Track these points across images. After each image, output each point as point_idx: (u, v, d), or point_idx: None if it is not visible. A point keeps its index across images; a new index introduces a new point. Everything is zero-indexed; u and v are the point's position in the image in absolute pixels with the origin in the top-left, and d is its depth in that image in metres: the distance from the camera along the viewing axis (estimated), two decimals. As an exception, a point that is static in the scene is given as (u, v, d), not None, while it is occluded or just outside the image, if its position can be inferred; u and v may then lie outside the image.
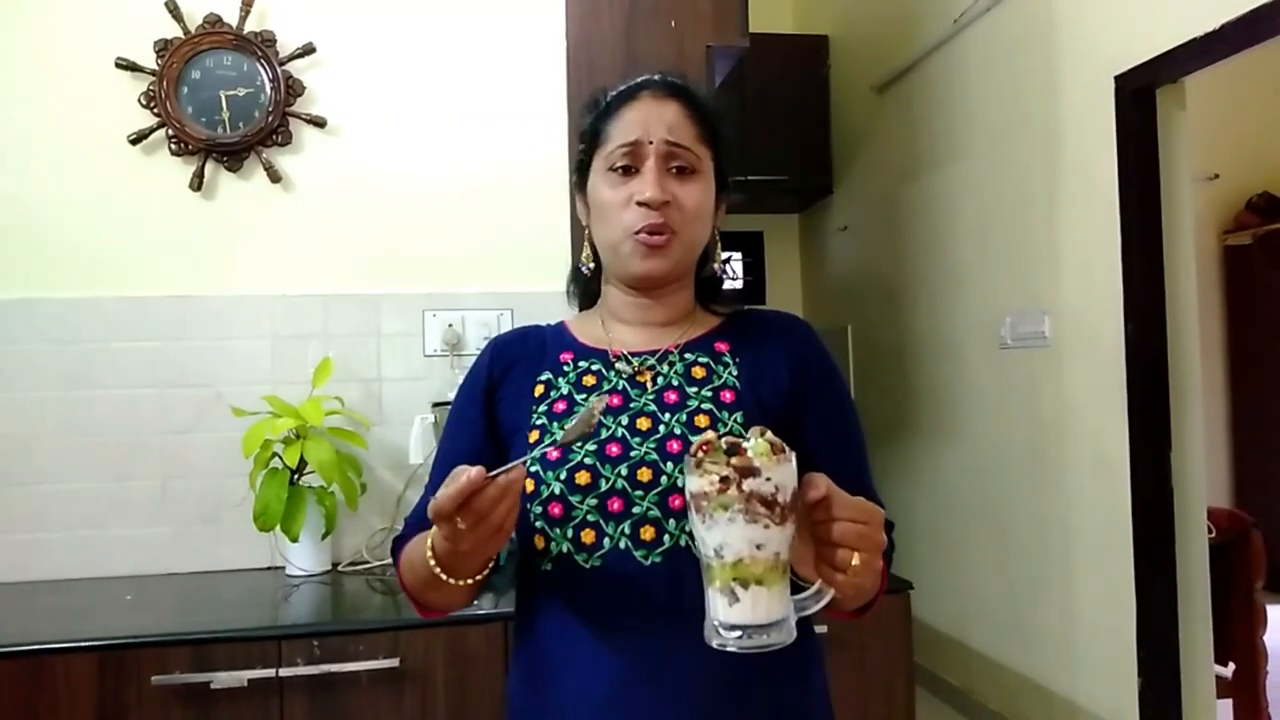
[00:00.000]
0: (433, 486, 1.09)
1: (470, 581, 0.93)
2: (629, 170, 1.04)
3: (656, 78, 1.09)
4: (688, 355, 1.08)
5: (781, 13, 4.77)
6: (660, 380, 1.05)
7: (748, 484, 0.77)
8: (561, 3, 2.25)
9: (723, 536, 0.78)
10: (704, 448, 0.81)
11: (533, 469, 1.01)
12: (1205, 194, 4.56)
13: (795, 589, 0.83)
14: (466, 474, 0.81)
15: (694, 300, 1.14)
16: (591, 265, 1.13)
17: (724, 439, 0.81)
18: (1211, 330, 4.69)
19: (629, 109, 1.05)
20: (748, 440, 0.81)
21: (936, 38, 3.36)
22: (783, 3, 4.80)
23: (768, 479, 0.78)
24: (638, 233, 1.02)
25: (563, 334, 1.14)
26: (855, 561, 0.80)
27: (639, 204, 1.02)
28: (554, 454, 1.00)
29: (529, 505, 1.00)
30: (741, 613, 0.79)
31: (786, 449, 0.81)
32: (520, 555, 1.05)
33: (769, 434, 0.81)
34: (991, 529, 3.18)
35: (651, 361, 1.07)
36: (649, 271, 1.05)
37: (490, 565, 0.94)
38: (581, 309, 1.21)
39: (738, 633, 0.79)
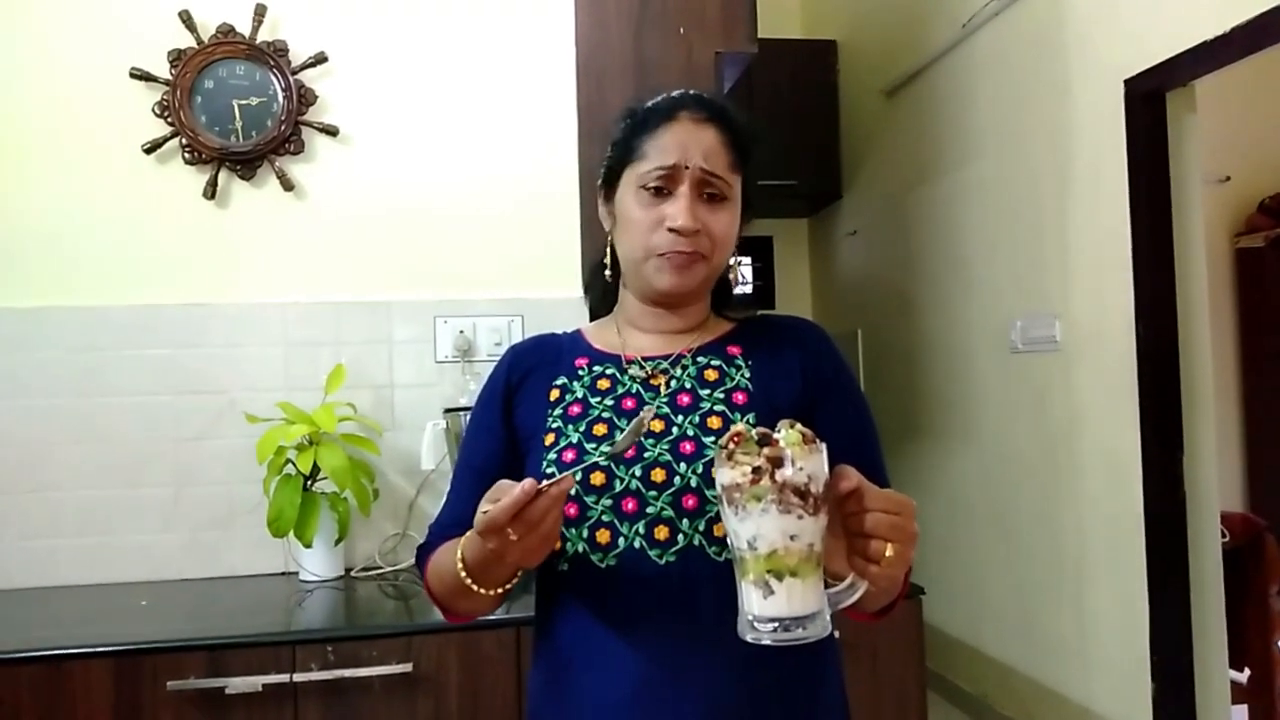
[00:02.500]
0: (456, 494, 1.10)
1: (499, 591, 0.95)
2: (661, 192, 1.04)
3: (695, 96, 1.08)
4: (700, 359, 1.09)
5: (790, 18, 4.77)
6: (673, 383, 1.07)
7: (780, 474, 0.78)
8: (570, 11, 2.26)
9: (756, 528, 0.78)
10: (735, 439, 0.81)
11: (548, 470, 1.02)
12: (1217, 196, 4.54)
13: (826, 585, 0.83)
14: (519, 487, 0.82)
15: (709, 308, 1.15)
16: (611, 273, 1.13)
17: (755, 430, 0.81)
18: (1224, 333, 4.66)
19: (667, 130, 1.05)
20: (778, 431, 0.81)
21: (945, 42, 3.36)
22: (791, 8, 4.81)
23: (800, 468, 0.78)
24: (662, 254, 1.04)
25: (578, 340, 1.16)
26: (889, 553, 0.80)
27: (670, 229, 1.03)
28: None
29: None
30: (776, 605, 0.78)
31: (817, 440, 0.81)
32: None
33: (799, 425, 0.81)
34: (1003, 533, 3.17)
35: (665, 365, 1.08)
36: (672, 288, 1.06)
37: (517, 574, 0.96)
38: (596, 313, 1.22)
39: (773, 625, 0.78)
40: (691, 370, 1.08)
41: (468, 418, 1.24)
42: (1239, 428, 4.74)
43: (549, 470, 1.02)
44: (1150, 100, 2.43)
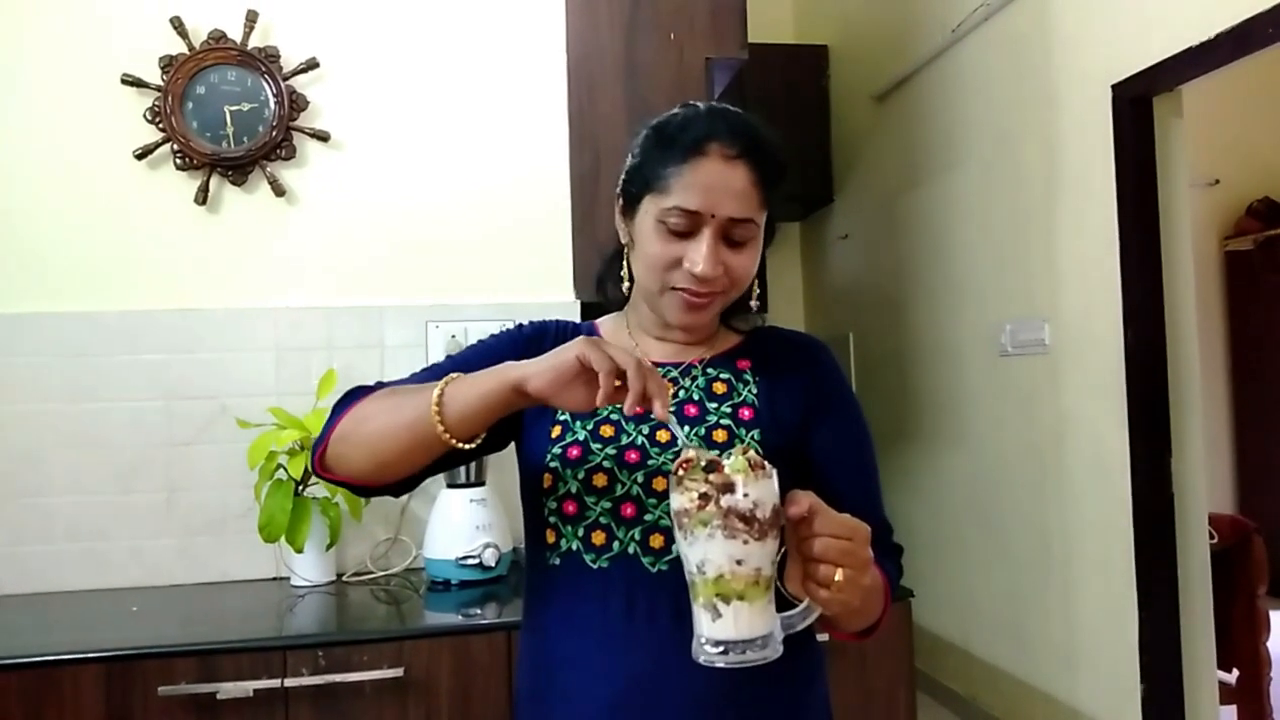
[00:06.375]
0: (430, 373, 1.07)
1: (455, 444, 0.93)
2: (682, 230, 1.00)
3: (726, 123, 1.01)
4: (710, 371, 1.09)
5: (781, 23, 4.79)
6: (681, 394, 1.07)
7: (725, 500, 0.79)
8: (562, 17, 2.27)
9: (704, 552, 0.80)
10: (684, 465, 0.83)
11: (551, 464, 1.03)
12: (1206, 200, 4.57)
13: (788, 606, 0.84)
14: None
15: (719, 320, 1.14)
16: (629, 284, 1.10)
17: (704, 457, 0.83)
18: (1213, 335, 4.70)
19: (694, 168, 0.99)
20: (728, 458, 0.82)
21: (935, 47, 3.38)
22: (782, 13, 4.82)
23: (745, 495, 0.79)
24: (678, 289, 1.01)
25: (593, 335, 1.15)
26: (838, 577, 0.81)
27: (690, 273, 0.99)
28: None
29: (544, 499, 1.02)
30: (724, 628, 0.80)
31: (767, 466, 0.82)
32: (530, 548, 1.08)
33: (750, 452, 0.83)
34: (992, 535, 3.19)
35: (674, 374, 1.08)
36: (686, 326, 1.06)
37: (479, 440, 0.95)
38: (607, 308, 1.20)
39: (721, 648, 0.80)
40: (700, 381, 1.08)
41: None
42: (1228, 429, 4.77)
43: (552, 464, 1.03)
44: (1137, 105, 2.45)
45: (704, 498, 0.80)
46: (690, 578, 0.82)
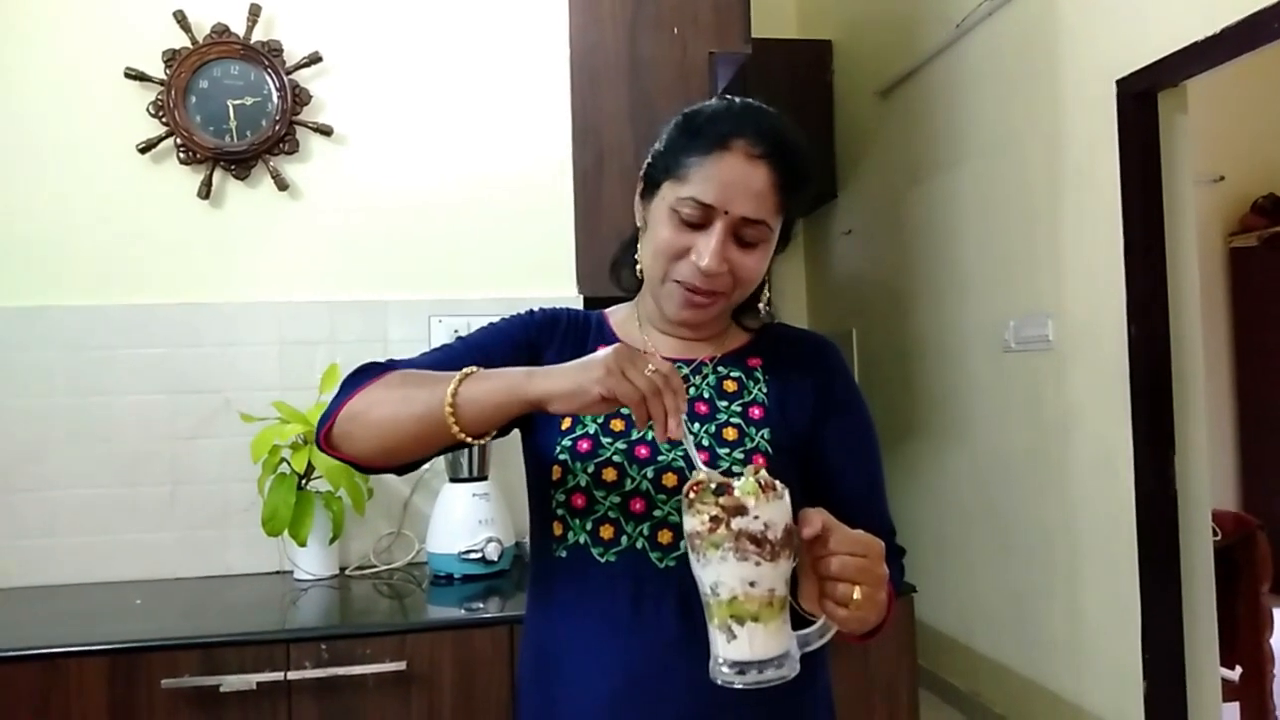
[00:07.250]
0: (446, 353, 1.08)
1: (467, 439, 0.93)
2: (694, 222, 1.00)
3: (754, 121, 1.01)
4: (720, 369, 1.09)
5: (785, 18, 4.78)
6: (692, 390, 1.06)
7: (736, 522, 0.79)
8: (565, 12, 2.27)
9: (716, 575, 0.81)
10: (695, 488, 0.83)
11: (560, 456, 1.02)
12: (1211, 196, 4.56)
13: (805, 624, 0.85)
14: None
15: (730, 317, 1.13)
16: (642, 270, 1.10)
17: (714, 479, 0.83)
18: (1217, 331, 4.69)
19: (716, 161, 0.98)
20: (738, 479, 0.82)
21: (939, 42, 3.37)
22: (786, 8, 4.81)
23: (756, 517, 0.80)
24: (680, 281, 1.02)
25: (604, 327, 1.15)
26: (856, 595, 0.81)
27: (695, 266, 0.99)
28: None
29: (553, 491, 1.02)
30: (740, 649, 0.80)
31: (778, 486, 0.82)
32: (535, 539, 1.07)
33: (762, 473, 0.83)
34: (995, 532, 3.18)
35: (686, 371, 1.08)
36: (685, 321, 1.06)
37: (492, 435, 0.95)
38: (625, 295, 1.20)
39: (738, 669, 0.81)
40: (711, 379, 1.07)
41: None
42: (1233, 426, 4.76)
43: (562, 457, 1.02)
44: (1142, 100, 2.44)
45: (715, 520, 0.80)
46: (705, 599, 0.83)
